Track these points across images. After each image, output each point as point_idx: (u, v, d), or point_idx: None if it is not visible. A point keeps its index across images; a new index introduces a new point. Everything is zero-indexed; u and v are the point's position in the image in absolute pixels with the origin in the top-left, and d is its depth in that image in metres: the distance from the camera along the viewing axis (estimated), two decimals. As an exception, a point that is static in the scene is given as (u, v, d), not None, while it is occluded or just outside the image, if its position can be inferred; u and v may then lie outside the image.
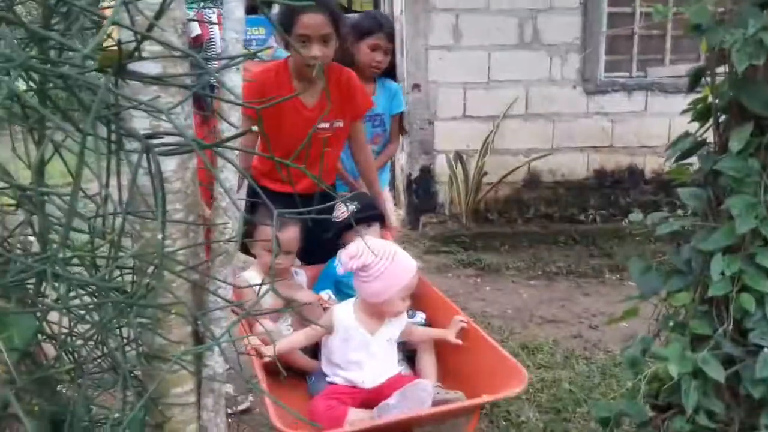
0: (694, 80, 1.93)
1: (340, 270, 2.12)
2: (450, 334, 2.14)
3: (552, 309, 3.92)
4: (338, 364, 2.10)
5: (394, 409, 1.88)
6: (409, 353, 2.30)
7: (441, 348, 2.25)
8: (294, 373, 2.24)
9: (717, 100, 1.83)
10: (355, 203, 2.57)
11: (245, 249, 2.52)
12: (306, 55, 2.31)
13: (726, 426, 1.69)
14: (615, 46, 5.42)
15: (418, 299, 2.42)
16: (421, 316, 2.40)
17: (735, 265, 1.65)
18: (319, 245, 2.59)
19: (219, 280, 1.37)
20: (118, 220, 0.97)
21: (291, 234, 2.38)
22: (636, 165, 5.65)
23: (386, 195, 3.26)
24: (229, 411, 2.66)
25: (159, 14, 0.80)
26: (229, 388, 2.73)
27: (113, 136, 0.98)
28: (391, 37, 2.99)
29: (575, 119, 5.49)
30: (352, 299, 2.16)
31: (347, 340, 2.08)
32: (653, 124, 5.48)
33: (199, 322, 1.39)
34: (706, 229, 1.78)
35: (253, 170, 2.66)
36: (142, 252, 1.21)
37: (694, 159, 1.99)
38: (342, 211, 2.54)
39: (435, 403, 1.91)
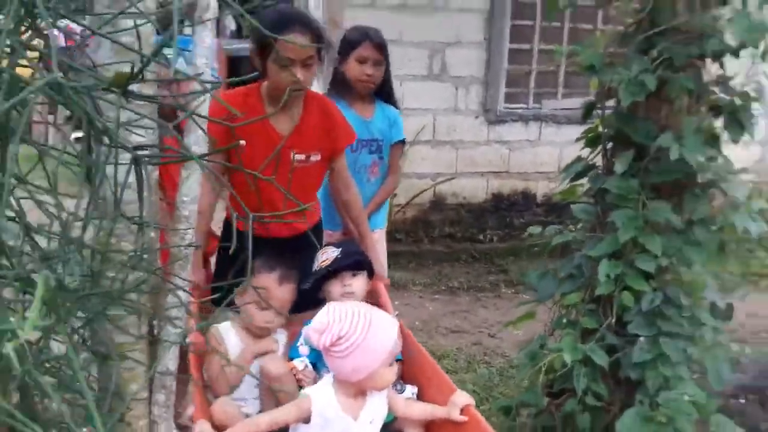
0: (587, 112, 2.26)
1: (303, 350, 1.86)
2: (454, 411, 1.74)
3: (455, 320, 4.19)
4: None
5: None
6: None
7: (429, 428, 1.88)
8: None
9: (606, 130, 2.16)
10: (339, 248, 2.20)
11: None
12: (287, 79, 2.07)
13: (609, 405, 1.98)
14: (514, 80, 5.87)
15: (407, 369, 2.08)
16: (411, 390, 1.99)
17: (618, 268, 1.95)
18: (300, 297, 2.18)
19: (175, 285, 1.48)
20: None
21: (287, 292, 2.03)
22: (529, 189, 6.09)
23: (380, 237, 2.95)
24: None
25: (163, 45, 0.95)
26: None
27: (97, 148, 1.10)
28: (380, 48, 2.72)
29: (476, 146, 5.86)
30: (329, 377, 1.78)
31: (325, 429, 1.72)
32: (545, 152, 5.94)
33: (154, 322, 1.49)
34: (594, 239, 2.08)
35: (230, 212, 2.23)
36: (102, 250, 1.31)
37: (583, 181, 2.30)
38: (324, 259, 2.16)
39: None
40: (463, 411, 1.74)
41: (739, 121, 1.99)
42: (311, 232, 2.21)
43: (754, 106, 2.01)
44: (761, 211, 2.07)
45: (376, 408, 1.76)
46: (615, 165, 2.03)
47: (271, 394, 1.88)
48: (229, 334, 1.98)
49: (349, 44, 2.71)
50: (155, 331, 1.51)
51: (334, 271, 2.09)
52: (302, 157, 2.24)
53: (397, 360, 1.96)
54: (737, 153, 2.16)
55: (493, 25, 5.62)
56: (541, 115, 5.88)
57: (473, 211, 5.98)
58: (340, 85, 2.76)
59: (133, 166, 1.11)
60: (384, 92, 2.86)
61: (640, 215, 1.94)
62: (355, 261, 2.16)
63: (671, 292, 1.95)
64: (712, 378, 2.00)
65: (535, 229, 2.35)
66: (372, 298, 2.21)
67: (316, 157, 2.27)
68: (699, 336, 2.03)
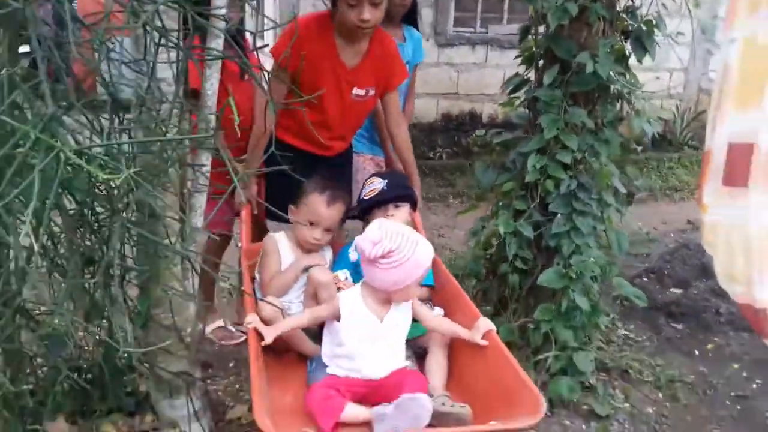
0: (523, 34, 2.70)
1: (353, 256, 1.95)
2: (477, 335, 1.87)
3: (409, 224, 4.74)
4: (342, 353, 1.88)
5: (389, 419, 1.67)
6: (419, 350, 2.03)
7: (453, 352, 1.99)
8: (294, 356, 2.05)
9: (538, 49, 2.61)
10: (386, 180, 2.30)
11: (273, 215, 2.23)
12: (355, 17, 2.13)
13: (533, 268, 2.52)
14: (462, 4, 6.22)
15: (437, 293, 2.25)
16: (439, 312, 2.13)
17: (543, 161, 2.45)
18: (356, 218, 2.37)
19: (199, 166, 1.89)
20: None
21: (336, 212, 2.17)
22: (475, 111, 6.54)
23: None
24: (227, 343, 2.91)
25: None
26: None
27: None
28: None
29: (427, 68, 6.23)
30: (358, 285, 1.94)
31: (353, 328, 1.86)
32: (491, 74, 6.35)
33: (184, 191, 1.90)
34: (526, 139, 2.57)
35: (278, 128, 2.39)
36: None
37: (520, 93, 2.76)
38: (371, 189, 2.28)
39: (438, 415, 1.68)
40: (484, 336, 1.87)
41: (642, 45, 2.47)
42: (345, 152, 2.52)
43: (655, 32, 2.49)
44: (656, 118, 2.60)
45: (401, 315, 1.90)
46: (544, 78, 2.49)
47: (314, 300, 2.02)
48: (283, 245, 2.19)
49: None
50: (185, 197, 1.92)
51: (383, 201, 2.25)
52: (362, 92, 2.37)
53: (430, 286, 2.22)
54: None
55: (443, -49, 5.92)
56: (487, 39, 6.28)
57: (424, 131, 6.40)
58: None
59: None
60: (411, 16, 3.00)
61: (562, 118, 2.42)
62: (400, 194, 2.29)
63: (583, 179, 2.47)
64: (613, 246, 2.56)
65: (480, 132, 2.83)
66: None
67: (372, 92, 2.40)
68: (606, 215, 2.58)
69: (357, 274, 2.13)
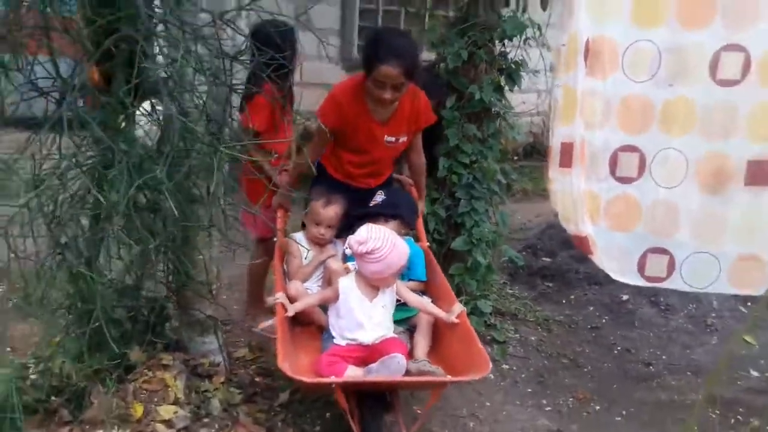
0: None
1: (347, 251, 2.44)
2: (451, 316, 2.40)
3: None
4: (342, 326, 2.41)
5: (375, 373, 2.19)
6: (411, 328, 2.58)
7: (435, 329, 2.52)
8: (315, 327, 2.62)
9: (441, 81, 3.56)
10: (384, 198, 2.87)
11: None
12: (378, 94, 2.62)
13: (446, 239, 3.47)
14: (366, 32, 7.14)
15: (428, 286, 2.82)
16: (427, 299, 2.66)
17: (449, 162, 3.41)
18: (353, 222, 2.75)
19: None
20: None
21: (332, 212, 2.78)
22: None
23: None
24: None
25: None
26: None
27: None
28: None
29: (336, 90, 7.11)
30: (354, 273, 2.48)
31: (349, 305, 2.39)
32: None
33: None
34: (437, 147, 3.52)
35: (326, 162, 2.99)
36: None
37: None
38: (373, 200, 2.88)
39: (419, 373, 2.22)
40: (457, 317, 2.41)
41: (512, 79, 3.50)
42: (388, 180, 3.05)
43: (521, 70, 3.51)
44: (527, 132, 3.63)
45: (388, 298, 2.46)
46: (447, 102, 3.45)
47: (329, 284, 2.60)
48: (302, 242, 2.84)
49: None
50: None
51: (375, 213, 2.79)
52: (393, 139, 2.87)
53: (422, 281, 2.82)
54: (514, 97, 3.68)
55: (347, -14, 6.85)
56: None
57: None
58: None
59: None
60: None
61: (461, 131, 3.40)
62: (389, 213, 2.80)
63: (477, 174, 3.45)
64: (500, 223, 3.56)
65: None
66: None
67: (403, 138, 2.90)
68: (494, 201, 3.58)
69: None
